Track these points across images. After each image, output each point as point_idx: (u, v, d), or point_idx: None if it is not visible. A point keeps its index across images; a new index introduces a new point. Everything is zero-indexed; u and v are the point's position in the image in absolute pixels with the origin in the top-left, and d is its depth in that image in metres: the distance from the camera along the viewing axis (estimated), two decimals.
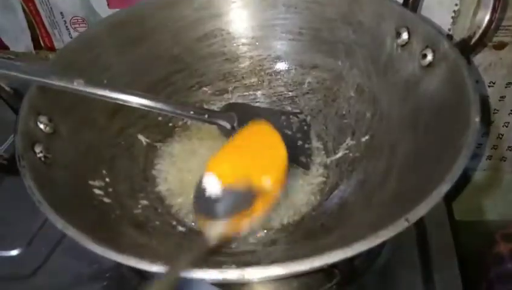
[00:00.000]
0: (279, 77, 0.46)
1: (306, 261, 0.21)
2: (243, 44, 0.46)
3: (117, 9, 0.51)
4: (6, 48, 0.60)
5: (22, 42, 0.58)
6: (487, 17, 0.31)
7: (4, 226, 0.41)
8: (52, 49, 0.59)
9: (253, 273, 0.20)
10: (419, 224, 0.39)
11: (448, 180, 0.24)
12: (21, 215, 0.41)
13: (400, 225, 0.22)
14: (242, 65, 0.46)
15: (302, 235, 0.33)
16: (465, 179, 0.62)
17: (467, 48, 0.33)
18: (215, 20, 0.45)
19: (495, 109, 0.54)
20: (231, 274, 0.21)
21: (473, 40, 0.32)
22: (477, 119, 0.27)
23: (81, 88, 0.32)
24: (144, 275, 0.35)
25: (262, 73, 0.46)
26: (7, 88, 0.33)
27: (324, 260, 0.21)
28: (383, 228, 0.22)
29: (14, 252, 0.39)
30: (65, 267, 0.38)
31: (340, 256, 0.21)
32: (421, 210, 0.23)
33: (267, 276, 0.21)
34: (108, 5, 0.52)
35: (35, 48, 0.59)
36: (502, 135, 0.56)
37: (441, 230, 0.39)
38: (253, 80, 0.46)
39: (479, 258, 0.58)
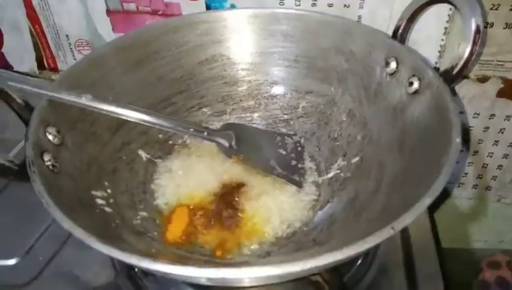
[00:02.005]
0: (275, 100, 0.48)
1: (299, 263, 0.22)
2: (242, 69, 0.48)
3: (121, 34, 0.53)
4: (10, 67, 0.61)
5: (26, 62, 0.60)
6: (468, 50, 0.34)
7: (3, 234, 0.41)
8: (55, 70, 0.60)
9: (249, 273, 0.22)
10: (407, 251, 0.40)
11: (431, 194, 0.25)
12: (20, 224, 0.41)
13: (386, 233, 0.23)
14: (240, 89, 0.48)
15: (294, 248, 0.35)
16: (454, 208, 0.63)
17: (450, 77, 0.35)
18: (216, 46, 0.47)
19: (479, 140, 0.55)
20: (228, 273, 0.22)
21: (455, 70, 0.35)
22: (458, 140, 0.29)
23: (89, 103, 0.34)
24: (140, 287, 0.36)
25: (260, 96, 0.48)
26: (19, 100, 0.34)
27: (315, 263, 0.22)
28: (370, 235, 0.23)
29: (11, 261, 0.39)
30: (62, 278, 0.38)
31: (330, 259, 0.22)
32: (406, 220, 0.24)
33: (263, 276, 0.22)
34: (113, 29, 0.54)
35: (38, 68, 0.60)
36: (487, 165, 0.58)
37: (427, 257, 0.40)
38: (251, 102, 0.48)
39: (466, 285, 0.59)
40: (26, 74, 0.60)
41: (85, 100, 0.34)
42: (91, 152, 0.37)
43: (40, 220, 0.42)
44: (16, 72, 0.61)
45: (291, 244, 0.35)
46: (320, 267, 0.22)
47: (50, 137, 0.33)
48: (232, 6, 0.49)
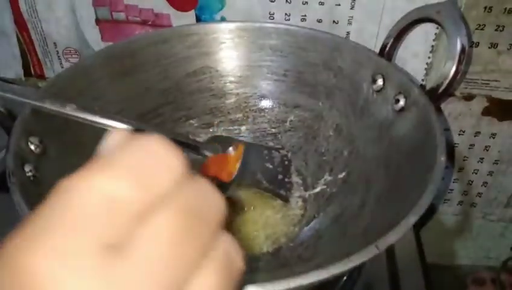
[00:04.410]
0: (263, 114, 0.48)
1: (284, 282, 0.22)
2: (230, 82, 0.48)
3: (110, 43, 0.53)
4: None
5: (12, 69, 0.59)
6: (453, 68, 0.34)
7: None
8: (42, 77, 0.59)
9: None
10: (392, 268, 0.40)
11: (416, 212, 0.25)
12: None
13: (371, 251, 0.23)
14: (228, 101, 0.48)
15: (280, 264, 0.34)
16: (439, 224, 0.64)
17: (436, 96, 0.35)
18: (205, 58, 0.47)
19: (465, 157, 0.56)
20: None
21: (441, 89, 0.35)
22: (443, 158, 0.29)
23: (73, 113, 0.33)
24: None
25: (248, 110, 0.48)
26: (1, 108, 0.34)
27: (300, 281, 0.22)
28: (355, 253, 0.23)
29: None
30: None
31: (315, 278, 0.22)
32: (390, 238, 0.24)
33: None
34: (101, 38, 0.54)
35: (25, 75, 0.59)
36: (472, 182, 0.59)
37: (413, 275, 0.40)
38: (239, 115, 0.48)
39: None
40: (12, 81, 0.60)
41: (69, 110, 0.33)
42: (75, 163, 0.35)
43: None
44: (1, 78, 0.60)
45: (276, 260, 0.35)
46: (305, 286, 0.22)
47: (32, 147, 0.33)
48: (222, 19, 0.49)
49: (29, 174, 0.30)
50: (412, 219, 0.25)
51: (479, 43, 0.47)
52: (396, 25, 0.40)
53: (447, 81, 0.34)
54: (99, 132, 0.37)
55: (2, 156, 0.34)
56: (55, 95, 0.37)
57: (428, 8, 0.37)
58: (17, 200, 0.27)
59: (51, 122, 0.35)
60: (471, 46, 0.46)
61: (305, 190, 0.42)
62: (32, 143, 0.33)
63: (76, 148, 0.37)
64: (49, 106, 0.33)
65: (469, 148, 0.55)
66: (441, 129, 0.32)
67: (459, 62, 0.34)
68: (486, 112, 0.52)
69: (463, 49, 0.34)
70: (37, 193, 0.30)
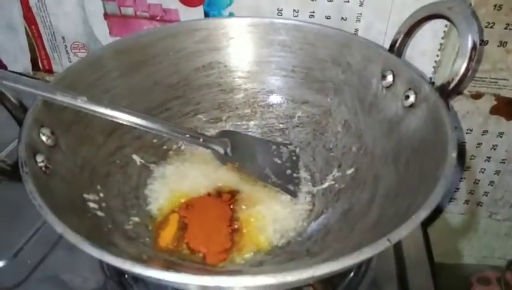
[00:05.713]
0: (271, 109, 0.48)
1: (296, 272, 0.22)
2: (239, 77, 0.48)
3: (118, 38, 0.53)
4: (4, 67, 0.61)
5: (20, 62, 0.60)
6: (464, 65, 0.34)
7: None
8: (50, 71, 0.60)
9: (246, 281, 0.21)
10: (400, 264, 0.40)
11: (427, 206, 0.25)
12: (8, 226, 0.41)
13: (382, 244, 0.23)
14: (237, 96, 0.48)
15: (288, 258, 0.34)
16: (445, 222, 0.64)
17: (446, 92, 0.35)
18: (213, 53, 0.47)
19: (472, 155, 0.56)
20: (222, 281, 0.22)
21: (451, 86, 0.35)
22: (454, 155, 0.29)
23: (84, 105, 0.34)
24: None
25: (256, 105, 0.48)
26: (13, 99, 0.34)
27: (312, 272, 0.22)
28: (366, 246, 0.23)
29: None
30: (50, 283, 0.38)
31: (327, 269, 0.22)
32: (402, 232, 0.24)
33: (260, 285, 0.22)
34: (109, 33, 0.54)
35: (33, 69, 0.60)
36: (479, 181, 0.58)
37: (420, 271, 0.40)
38: (247, 110, 0.48)
39: None
40: (21, 74, 0.60)
41: (80, 102, 0.34)
42: (85, 155, 0.37)
43: (30, 223, 0.41)
44: (10, 72, 0.61)
45: (285, 254, 0.35)
46: (316, 277, 0.22)
47: (43, 138, 0.33)
48: (231, 15, 0.49)
49: (41, 164, 0.31)
50: (424, 213, 0.25)
51: (488, 41, 0.46)
52: (407, 20, 0.40)
53: (457, 78, 0.34)
54: (109, 125, 0.38)
55: (14, 146, 0.35)
56: (66, 87, 0.37)
57: (440, 4, 0.37)
58: (30, 190, 0.27)
59: (61, 114, 0.36)
60: (480, 44, 0.46)
61: (313, 185, 0.42)
62: (43, 134, 0.33)
63: (86, 141, 0.38)
64: (60, 97, 0.33)
65: (476, 147, 0.55)
66: (452, 126, 0.31)
67: (470, 59, 0.34)
68: (494, 110, 0.52)
69: (474, 46, 0.34)
70: (48, 184, 0.30)
